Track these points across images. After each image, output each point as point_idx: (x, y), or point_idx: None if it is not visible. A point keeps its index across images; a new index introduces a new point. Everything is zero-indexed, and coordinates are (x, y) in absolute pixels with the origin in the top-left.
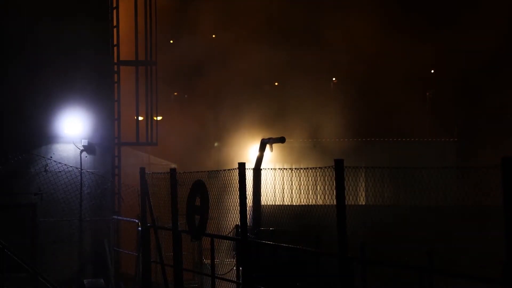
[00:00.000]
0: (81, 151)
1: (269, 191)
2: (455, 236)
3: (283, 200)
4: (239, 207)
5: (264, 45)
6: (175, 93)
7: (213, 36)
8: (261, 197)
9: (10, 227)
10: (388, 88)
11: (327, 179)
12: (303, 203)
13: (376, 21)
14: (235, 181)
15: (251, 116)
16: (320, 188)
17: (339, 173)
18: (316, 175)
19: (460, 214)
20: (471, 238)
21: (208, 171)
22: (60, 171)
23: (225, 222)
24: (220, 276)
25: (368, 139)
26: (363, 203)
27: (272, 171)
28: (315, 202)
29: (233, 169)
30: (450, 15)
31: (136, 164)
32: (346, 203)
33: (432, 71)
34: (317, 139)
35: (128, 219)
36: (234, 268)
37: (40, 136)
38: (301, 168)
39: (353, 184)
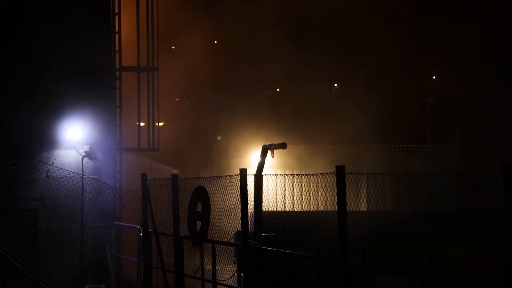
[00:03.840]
0: (83, 157)
1: (271, 197)
2: (455, 241)
3: (285, 206)
4: (240, 213)
5: (266, 50)
6: (177, 99)
7: (215, 41)
8: (263, 203)
9: (12, 233)
10: (389, 92)
11: (329, 185)
12: (304, 209)
13: (376, 24)
14: (236, 187)
15: (253, 122)
16: (321, 194)
17: (340, 179)
18: (318, 181)
19: (461, 219)
20: (472, 243)
21: (210, 177)
22: (61, 177)
23: (226, 227)
24: (222, 282)
25: (369, 145)
26: (364, 209)
27: (273, 177)
28: (317, 208)
29: (235, 175)
30: (450, 20)
31: (137, 170)
32: (347, 209)
33: (434, 77)
34: (319, 145)
35: (129, 224)
36: (236, 274)
37: (42, 142)
38: (303, 174)
39: (354, 190)
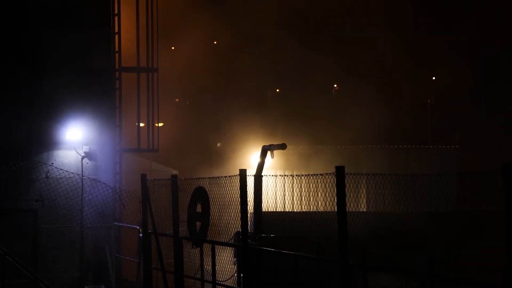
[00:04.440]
0: (82, 158)
1: (270, 198)
2: (455, 242)
3: (284, 207)
4: (240, 214)
5: (266, 52)
6: (176, 99)
7: (215, 42)
8: (262, 204)
9: (12, 233)
10: (389, 93)
11: (328, 186)
12: (304, 210)
13: (377, 25)
14: (236, 188)
15: (253, 123)
16: (321, 195)
17: (340, 179)
18: (317, 182)
19: (461, 220)
20: (472, 243)
21: (209, 178)
22: (61, 178)
23: (226, 228)
24: (221, 282)
25: (369, 146)
26: (364, 210)
27: (273, 178)
28: (316, 208)
29: (234, 175)
30: (450, 20)
31: (137, 171)
32: (347, 210)
33: (434, 77)
34: (318, 146)
35: (129, 225)
36: (235, 274)
37: (42, 143)
38: (302, 175)
39: (354, 191)
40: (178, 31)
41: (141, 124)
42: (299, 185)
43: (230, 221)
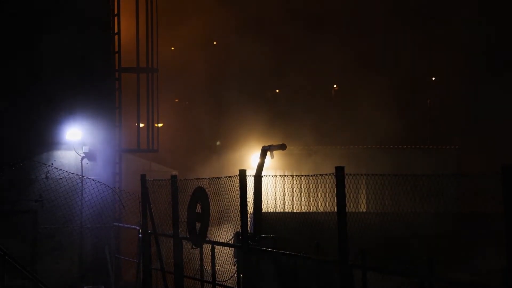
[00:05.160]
0: (82, 158)
1: (270, 198)
2: (455, 242)
3: (284, 207)
4: (240, 214)
5: (265, 52)
6: (176, 100)
7: (214, 43)
8: (262, 204)
9: (11, 234)
10: (388, 94)
11: (328, 186)
12: (303, 210)
13: (376, 25)
14: (236, 188)
15: (252, 123)
16: (320, 195)
17: (339, 180)
18: (317, 182)
19: (461, 221)
20: (471, 245)
21: (209, 178)
22: (61, 178)
23: (226, 229)
24: (221, 283)
25: (370, 146)
26: (364, 210)
27: (273, 178)
28: (316, 209)
29: (234, 176)
30: (449, 20)
31: (137, 171)
32: (346, 210)
33: (433, 78)
34: (318, 146)
35: (128, 226)
36: (235, 275)
37: (41, 143)
38: (302, 176)
39: (354, 191)
40: (178, 30)
41: (141, 125)
42: (299, 185)
43: (230, 222)
